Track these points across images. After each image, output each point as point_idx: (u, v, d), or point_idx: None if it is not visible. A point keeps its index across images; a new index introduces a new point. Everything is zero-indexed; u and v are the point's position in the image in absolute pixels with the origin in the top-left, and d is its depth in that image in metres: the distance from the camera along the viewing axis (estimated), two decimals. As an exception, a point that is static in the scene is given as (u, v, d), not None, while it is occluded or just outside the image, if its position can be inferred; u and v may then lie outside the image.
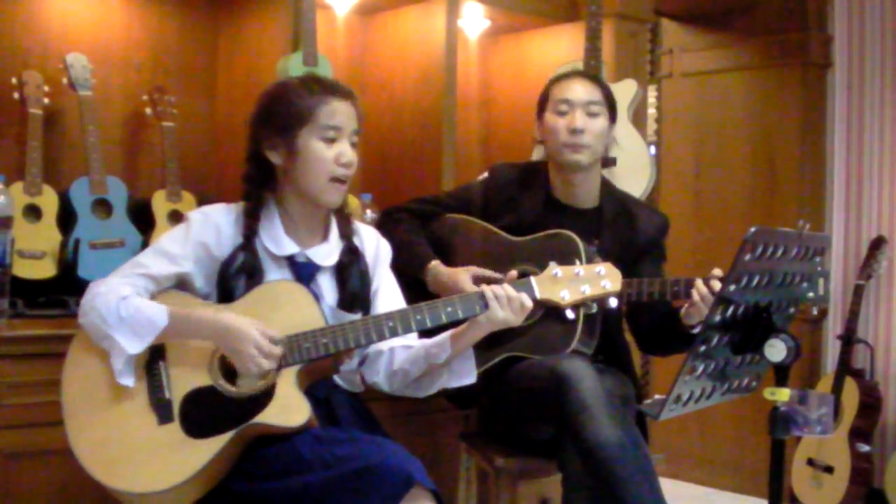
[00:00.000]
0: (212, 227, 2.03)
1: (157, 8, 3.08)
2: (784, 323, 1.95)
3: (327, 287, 2.08)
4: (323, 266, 2.08)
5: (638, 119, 3.49)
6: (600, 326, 2.44)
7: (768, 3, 4.37)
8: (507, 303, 1.98)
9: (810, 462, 4.02)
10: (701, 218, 4.58)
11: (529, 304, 2.00)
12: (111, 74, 2.97)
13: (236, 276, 2.00)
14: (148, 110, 2.96)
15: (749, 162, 4.45)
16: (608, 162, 3.13)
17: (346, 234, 2.13)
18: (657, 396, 2.10)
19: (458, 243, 2.60)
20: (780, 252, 1.84)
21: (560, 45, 3.59)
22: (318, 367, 1.97)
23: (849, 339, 3.99)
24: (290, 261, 2.06)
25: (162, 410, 1.91)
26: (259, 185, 2.07)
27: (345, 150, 2.02)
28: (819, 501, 3.97)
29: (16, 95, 2.70)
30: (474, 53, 3.80)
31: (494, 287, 2.00)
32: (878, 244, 4.06)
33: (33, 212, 2.68)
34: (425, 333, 2.07)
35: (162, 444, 1.87)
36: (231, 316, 1.91)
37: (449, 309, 1.98)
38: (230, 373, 1.95)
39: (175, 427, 1.89)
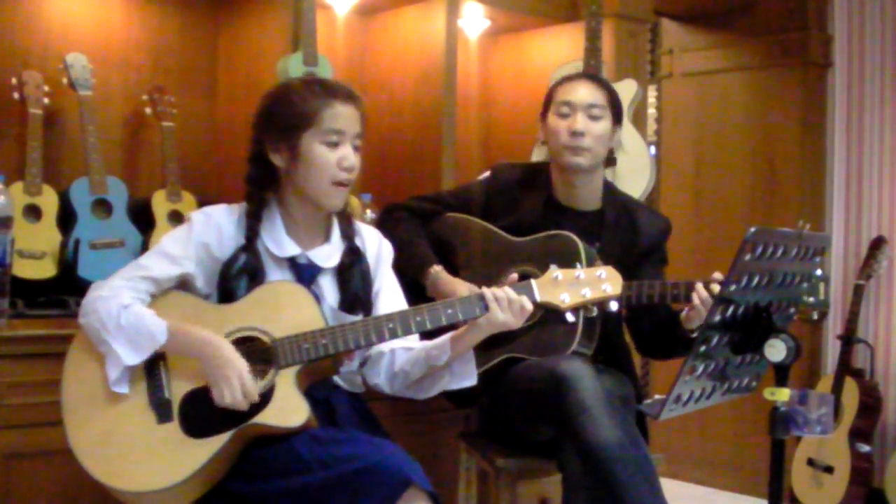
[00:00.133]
0: (213, 227, 2.03)
1: (157, 8, 3.08)
2: (784, 323, 1.95)
3: (328, 288, 2.08)
4: (324, 268, 2.08)
5: (638, 119, 3.49)
6: (600, 328, 2.44)
7: (768, 3, 4.37)
8: (507, 305, 1.98)
9: (810, 462, 4.02)
10: (701, 218, 4.58)
11: (529, 306, 2.00)
12: (111, 74, 2.97)
13: (238, 277, 2.00)
14: (148, 110, 2.96)
15: (749, 162, 4.45)
16: (609, 162, 3.13)
17: (348, 234, 2.13)
18: (657, 396, 2.10)
19: (458, 243, 2.60)
20: (780, 252, 1.84)
21: (560, 45, 3.59)
22: (318, 367, 1.97)
23: (849, 339, 3.99)
24: (292, 262, 2.06)
25: (161, 410, 1.91)
26: (261, 186, 2.06)
27: (347, 154, 2.01)
28: (819, 501, 3.97)
29: (16, 95, 2.70)
30: (474, 53, 3.80)
31: (494, 289, 2.00)
32: (878, 244, 4.06)
33: (33, 212, 2.68)
34: (426, 335, 2.07)
35: (161, 443, 1.87)
36: (227, 344, 1.90)
37: (449, 311, 1.98)
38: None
39: (174, 426, 1.89)
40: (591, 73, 2.95)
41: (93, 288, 1.98)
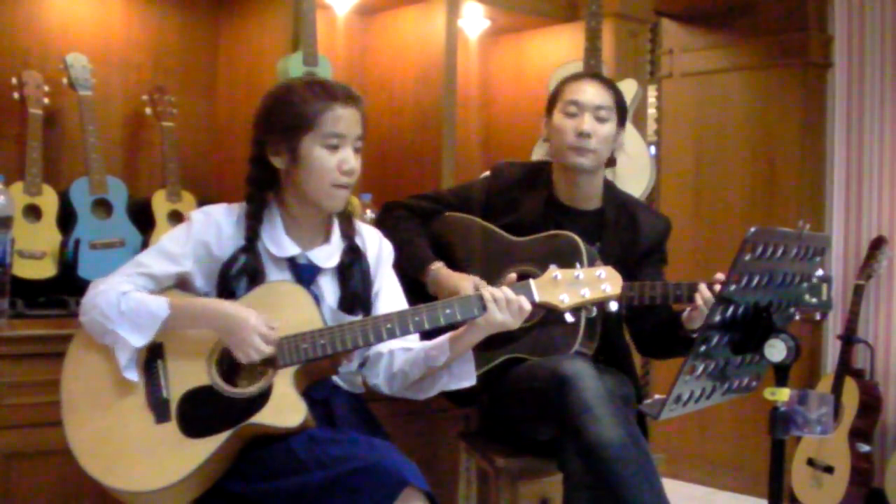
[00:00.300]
0: (213, 226, 2.03)
1: (157, 8, 3.08)
2: (784, 323, 1.95)
3: (328, 288, 2.08)
4: (324, 268, 2.08)
5: (638, 119, 3.49)
6: (601, 328, 2.44)
7: (768, 3, 4.37)
8: (505, 305, 1.98)
9: (810, 462, 4.02)
10: (701, 218, 4.58)
11: (528, 307, 1.99)
12: (111, 74, 2.97)
13: (237, 277, 2.00)
14: (148, 110, 2.96)
15: (749, 162, 4.45)
16: (609, 162, 3.12)
17: (348, 234, 2.12)
18: (657, 396, 2.10)
19: (458, 242, 2.60)
20: (780, 252, 1.84)
21: (560, 45, 3.59)
22: (317, 368, 1.97)
23: (849, 339, 4.00)
24: (291, 262, 2.06)
25: (159, 409, 1.91)
26: (261, 187, 2.06)
27: (347, 158, 2.00)
28: (819, 501, 3.97)
29: (16, 95, 2.70)
30: (474, 53, 3.80)
31: (493, 289, 1.99)
32: (878, 244, 4.06)
33: (33, 212, 2.68)
34: (426, 335, 2.07)
35: (159, 442, 1.88)
36: (230, 304, 1.92)
37: (447, 311, 1.97)
38: (228, 373, 1.95)
39: (172, 426, 1.89)
40: (598, 74, 2.94)
41: (91, 286, 1.98)
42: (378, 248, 2.19)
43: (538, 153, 3.24)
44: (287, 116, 1.99)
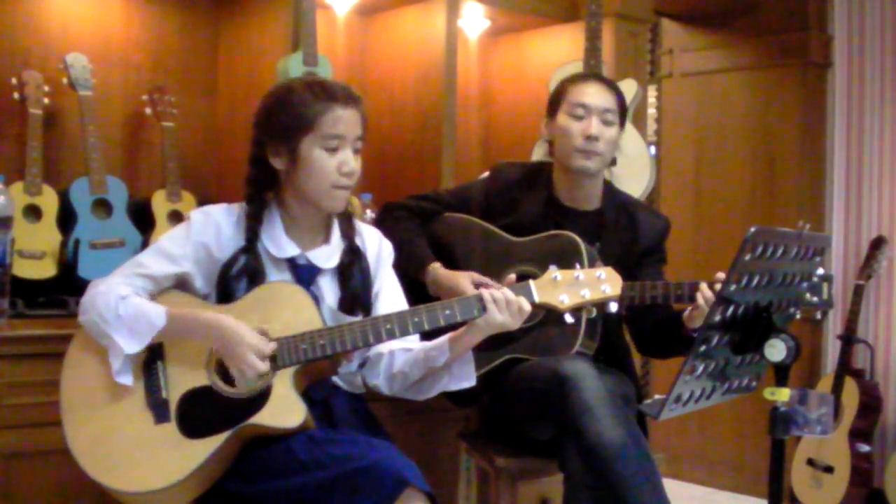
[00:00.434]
0: (212, 227, 2.03)
1: (157, 8, 3.08)
2: (784, 323, 1.95)
3: (328, 289, 2.08)
4: (324, 268, 2.08)
5: (638, 119, 3.49)
6: (601, 328, 2.44)
7: (768, 3, 4.37)
8: (505, 306, 1.98)
9: (810, 462, 4.02)
10: (701, 218, 4.58)
11: (528, 307, 1.99)
12: (111, 74, 2.97)
13: (237, 278, 2.00)
14: (148, 110, 2.96)
15: (749, 162, 4.45)
16: (608, 162, 3.13)
17: (348, 234, 2.12)
18: (657, 396, 2.10)
19: (458, 243, 2.60)
20: (780, 252, 1.84)
21: (560, 45, 3.59)
22: (316, 368, 1.97)
23: (849, 339, 4.00)
24: (291, 263, 2.06)
25: (159, 410, 1.91)
26: (261, 188, 2.06)
27: (347, 159, 2.00)
28: (819, 501, 3.97)
29: (16, 95, 2.70)
30: (474, 53, 3.80)
31: (493, 290, 1.99)
32: (878, 244, 4.06)
33: (33, 212, 2.68)
34: (427, 335, 2.07)
35: (158, 443, 1.87)
36: (227, 318, 1.91)
37: (447, 312, 1.97)
38: (227, 373, 1.95)
39: (171, 427, 1.89)
40: (601, 75, 2.93)
41: (91, 286, 1.98)
42: (378, 249, 2.18)
43: (538, 153, 3.24)
44: (287, 117, 1.99)
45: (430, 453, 2.76)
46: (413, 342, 2.11)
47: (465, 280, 2.40)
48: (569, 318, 2.01)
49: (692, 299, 2.33)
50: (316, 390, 2.01)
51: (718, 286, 2.25)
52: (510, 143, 3.70)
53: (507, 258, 2.51)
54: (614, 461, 2.09)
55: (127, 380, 1.92)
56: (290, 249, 2.05)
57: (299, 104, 1.98)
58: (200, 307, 1.99)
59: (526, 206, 2.58)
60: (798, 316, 2.07)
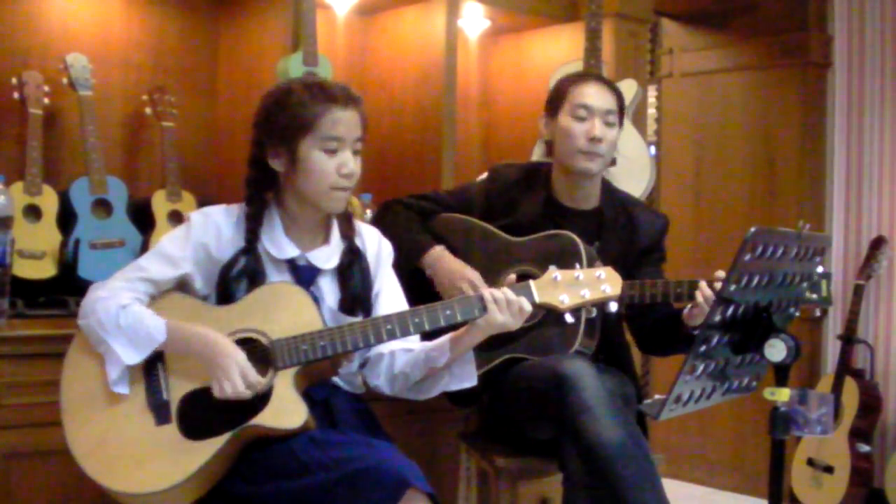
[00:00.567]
0: (212, 227, 2.03)
1: (157, 8, 3.08)
2: (784, 323, 1.95)
3: (328, 289, 2.08)
4: (323, 269, 2.08)
5: (638, 119, 3.49)
6: (600, 327, 2.44)
7: (768, 3, 4.37)
8: (505, 306, 1.97)
9: (810, 462, 4.02)
10: (701, 218, 4.58)
11: (528, 307, 1.99)
12: (111, 74, 2.97)
13: (237, 279, 2.00)
14: (148, 110, 2.96)
15: (749, 162, 4.45)
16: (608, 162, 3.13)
17: (348, 235, 2.12)
18: (657, 396, 2.10)
19: (458, 243, 2.60)
20: (780, 252, 1.84)
21: (560, 45, 3.59)
22: (317, 369, 1.97)
23: (849, 339, 4.00)
24: (291, 264, 2.06)
25: (159, 411, 1.91)
26: (261, 189, 2.06)
27: (346, 161, 1.99)
28: (819, 501, 3.97)
29: (16, 95, 2.70)
30: (474, 53, 3.80)
31: (493, 290, 1.99)
32: (878, 244, 4.06)
33: (33, 212, 2.68)
34: (428, 335, 2.07)
35: (159, 445, 1.87)
36: (224, 338, 1.90)
37: (447, 312, 1.97)
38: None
39: (172, 428, 1.89)
40: (600, 75, 2.93)
41: (91, 289, 1.98)
42: (377, 248, 2.18)
43: (538, 153, 3.24)
44: (285, 119, 1.98)
45: (429, 453, 2.76)
46: (414, 342, 2.11)
47: (468, 269, 2.41)
48: (569, 318, 2.02)
49: (692, 298, 2.33)
50: (316, 391, 2.01)
51: (718, 285, 2.26)
52: (510, 143, 3.70)
53: (506, 258, 2.51)
54: (613, 461, 2.09)
55: (123, 389, 1.91)
56: (290, 250, 2.05)
57: (298, 105, 1.97)
58: (201, 313, 1.98)
59: (525, 207, 2.58)
60: (798, 314, 2.07)
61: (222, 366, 1.87)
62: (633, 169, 3.23)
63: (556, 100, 2.56)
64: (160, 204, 2.90)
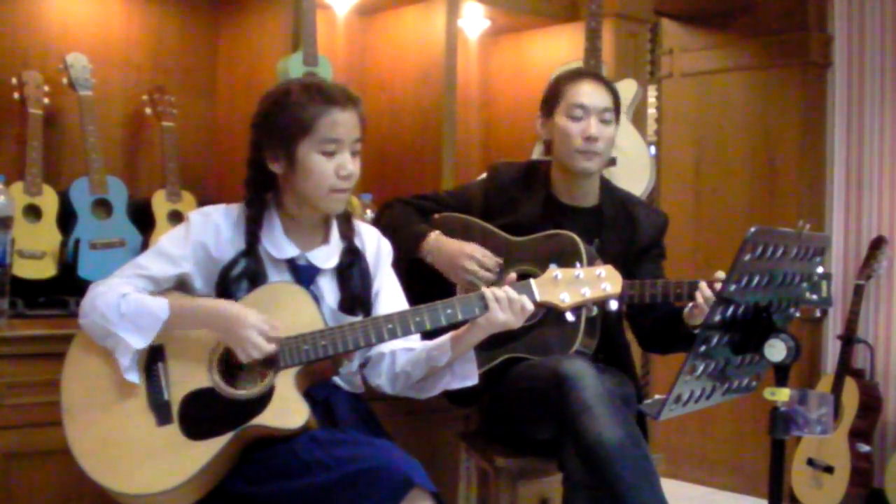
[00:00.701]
0: (211, 227, 2.03)
1: (157, 8, 3.08)
2: (784, 323, 1.95)
3: (328, 289, 2.08)
4: (323, 269, 2.08)
5: (638, 119, 3.49)
6: (600, 326, 2.44)
7: (768, 3, 4.37)
8: (507, 305, 1.98)
9: (810, 462, 4.02)
10: (701, 218, 4.58)
11: (530, 306, 1.99)
12: (111, 74, 2.97)
13: (238, 280, 2.00)
14: (148, 110, 2.96)
15: (749, 162, 4.45)
16: (608, 162, 3.13)
17: (347, 234, 2.12)
18: (657, 396, 2.10)
19: (458, 242, 2.60)
20: (780, 252, 1.84)
21: (560, 45, 3.59)
22: (318, 369, 1.97)
23: (849, 339, 4.00)
24: (291, 264, 2.06)
25: (161, 412, 1.91)
26: (260, 190, 2.06)
27: (345, 163, 1.99)
28: (819, 501, 3.97)
29: (16, 95, 2.70)
30: (474, 53, 3.80)
31: (494, 289, 1.99)
32: (878, 244, 4.06)
33: (33, 212, 2.68)
34: (428, 334, 2.07)
35: (160, 445, 1.87)
36: (230, 303, 1.92)
37: (448, 311, 1.97)
38: (229, 374, 1.95)
39: (174, 428, 1.89)
40: (596, 73, 2.93)
41: (91, 288, 1.98)
42: (377, 248, 2.18)
43: (538, 153, 3.24)
44: (284, 122, 1.97)
45: (429, 453, 2.74)
46: (415, 341, 2.11)
47: (468, 247, 2.42)
48: (570, 317, 2.02)
49: (692, 298, 2.33)
50: (317, 391, 2.01)
51: (718, 285, 2.26)
52: (510, 143, 3.70)
53: (506, 257, 2.51)
54: (613, 461, 2.09)
55: (134, 377, 1.92)
56: (290, 250, 2.05)
57: (297, 108, 1.97)
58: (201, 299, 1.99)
59: (524, 206, 2.58)
60: (798, 315, 2.07)
61: (239, 334, 1.87)
62: (632, 169, 3.23)
63: (552, 99, 2.57)
64: (160, 204, 2.90)
